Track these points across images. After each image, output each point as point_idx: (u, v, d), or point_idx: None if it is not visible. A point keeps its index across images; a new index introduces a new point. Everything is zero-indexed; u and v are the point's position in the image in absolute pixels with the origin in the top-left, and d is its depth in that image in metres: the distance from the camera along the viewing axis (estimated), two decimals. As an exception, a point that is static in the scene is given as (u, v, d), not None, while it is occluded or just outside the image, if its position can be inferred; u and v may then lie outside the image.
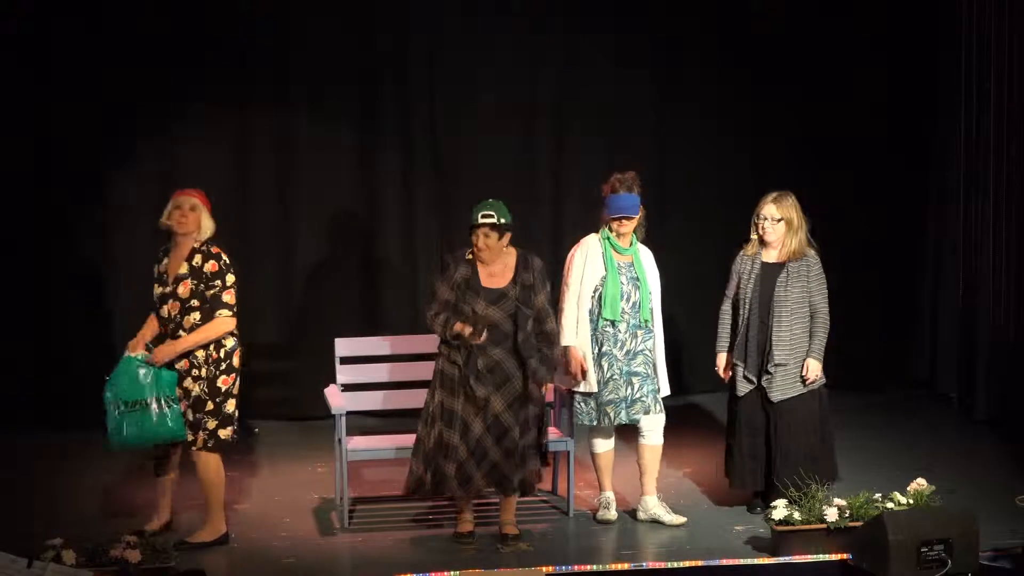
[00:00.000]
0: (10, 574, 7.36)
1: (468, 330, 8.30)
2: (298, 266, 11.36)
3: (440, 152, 11.47)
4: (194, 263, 8.39)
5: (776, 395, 8.85)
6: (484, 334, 8.30)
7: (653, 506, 8.96)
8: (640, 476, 8.98)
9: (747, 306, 8.89)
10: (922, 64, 11.77)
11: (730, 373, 8.97)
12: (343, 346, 9.43)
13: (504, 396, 8.43)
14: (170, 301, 8.39)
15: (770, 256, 8.94)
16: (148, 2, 10.95)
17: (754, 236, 8.94)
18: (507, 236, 8.44)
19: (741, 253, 9.01)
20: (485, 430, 8.42)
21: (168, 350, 8.33)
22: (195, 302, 8.36)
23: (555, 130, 11.61)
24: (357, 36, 11.25)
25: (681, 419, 10.21)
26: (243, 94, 11.18)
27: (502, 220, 8.38)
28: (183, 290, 8.36)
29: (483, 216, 8.38)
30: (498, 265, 8.47)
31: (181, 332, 8.36)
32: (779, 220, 8.86)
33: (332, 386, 9.33)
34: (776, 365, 8.81)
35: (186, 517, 8.82)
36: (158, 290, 8.45)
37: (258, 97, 11.21)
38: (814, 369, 8.85)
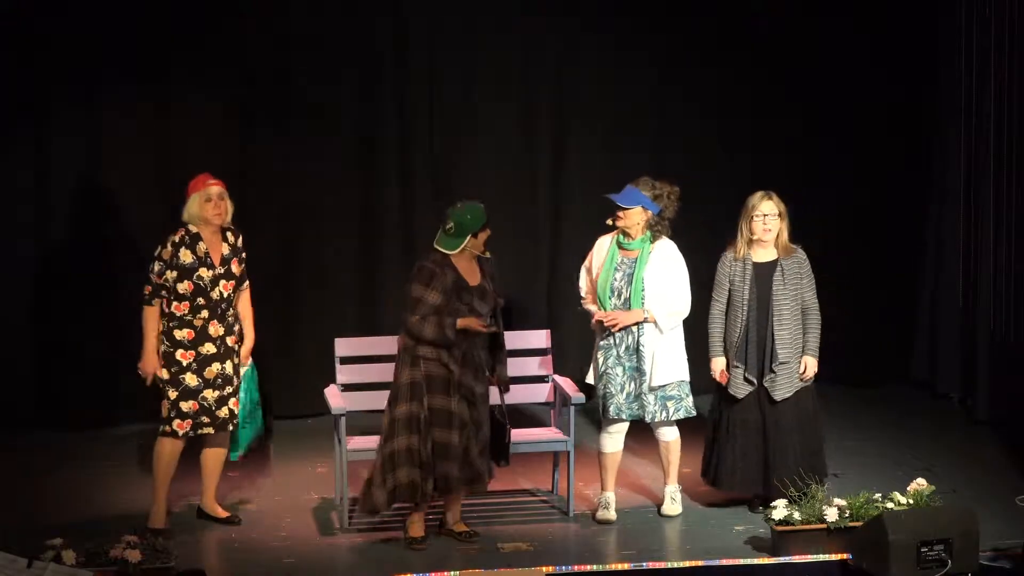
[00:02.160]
0: (10, 574, 7.36)
1: (476, 322, 8.32)
2: (298, 266, 11.35)
3: (440, 152, 11.46)
4: (229, 241, 8.79)
5: (779, 394, 8.88)
6: (494, 323, 8.39)
7: (665, 493, 9.07)
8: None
9: (744, 308, 8.90)
10: (923, 64, 11.76)
11: (727, 376, 8.97)
12: (343, 346, 9.44)
13: (480, 390, 8.48)
14: (223, 282, 8.68)
15: (760, 256, 8.95)
16: (148, 2, 10.96)
17: (748, 237, 8.93)
18: None
19: (729, 256, 9.00)
20: (473, 424, 8.45)
21: (250, 349, 8.93)
22: (241, 276, 8.81)
23: (555, 130, 11.60)
24: (356, 35, 11.24)
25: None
26: (243, 95, 11.17)
27: None
28: (236, 268, 8.76)
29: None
30: (471, 264, 8.51)
31: (231, 310, 8.73)
32: (777, 215, 8.89)
33: (332, 386, 9.33)
34: (780, 364, 8.84)
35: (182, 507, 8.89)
36: (207, 273, 8.62)
37: (257, 97, 11.20)
38: (812, 367, 8.93)
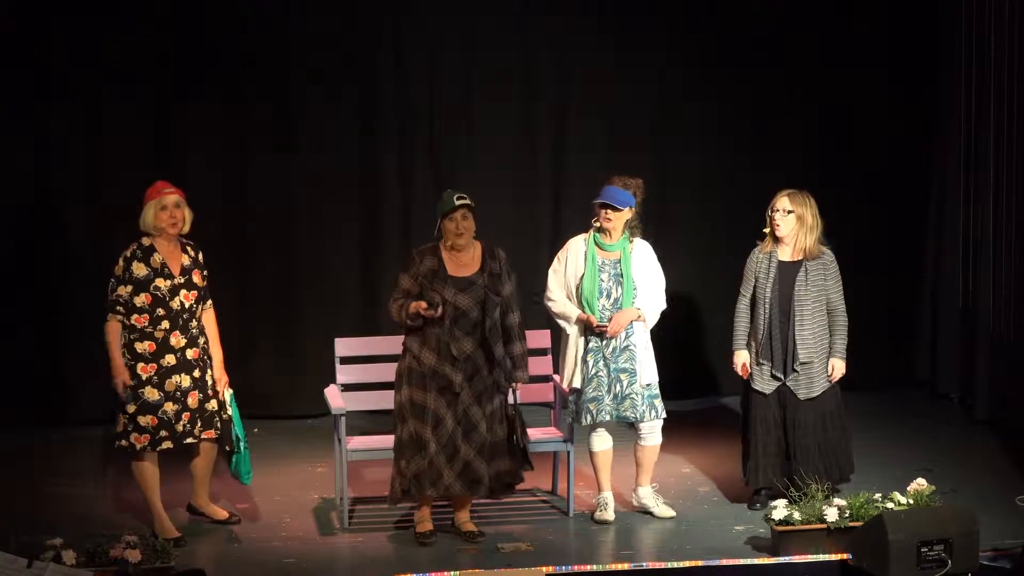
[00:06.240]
0: (10, 574, 7.36)
1: (423, 305, 8.32)
2: (298, 266, 11.36)
3: (440, 152, 11.46)
4: (190, 253, 8.64)
5: (803, 393, 8.90)
6: (440, 308, 8.32)
7: (645, 496, 9.03)
8: (635, 469, 9.04)
9: (767, 305, 8.90)
10: (923, 64, 11.77)
11: (749, 371, 8.96)
12: (343, 346, 9.44)
13: (473, 389, 8.45)
14: (183, 292, 8.53)
15: (786, 254, 8.95)
16: (148, 2, 10.97)
17: (767, 231, 8.94)
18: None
19: (756, 251, 9.01)
20: (456, 424, 8.43)
21: (224, 374, 8.77)
22: (203, 291, 8.64)
23: (555, 130, 11.60)
24: (357, 36, 11.25)
25: (683, 419, 10.22)
26: (243, 94, 11.18)
27: (473, 204, 8.45)
28: (198, 279, 8.62)
29: (459, 199, 8.44)
30: (466, 255, 8.49)
31: (193, 321, 8.56)
32: (790, 212, 8.88)
33: (332, 386, 9.33)
34: (802, 364, 8.86)
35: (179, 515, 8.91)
36: (164, 284, 8.49)
37: (257, 97, 11.20)
38: (840, 369, 8.97)
